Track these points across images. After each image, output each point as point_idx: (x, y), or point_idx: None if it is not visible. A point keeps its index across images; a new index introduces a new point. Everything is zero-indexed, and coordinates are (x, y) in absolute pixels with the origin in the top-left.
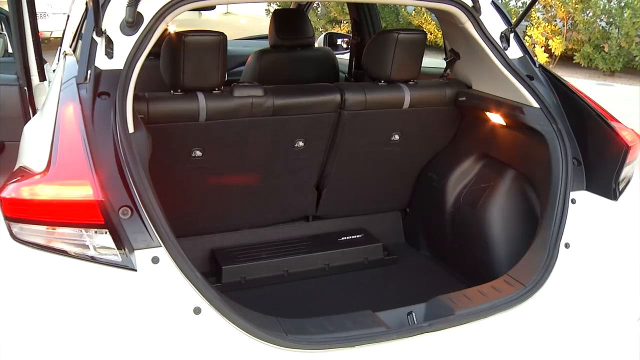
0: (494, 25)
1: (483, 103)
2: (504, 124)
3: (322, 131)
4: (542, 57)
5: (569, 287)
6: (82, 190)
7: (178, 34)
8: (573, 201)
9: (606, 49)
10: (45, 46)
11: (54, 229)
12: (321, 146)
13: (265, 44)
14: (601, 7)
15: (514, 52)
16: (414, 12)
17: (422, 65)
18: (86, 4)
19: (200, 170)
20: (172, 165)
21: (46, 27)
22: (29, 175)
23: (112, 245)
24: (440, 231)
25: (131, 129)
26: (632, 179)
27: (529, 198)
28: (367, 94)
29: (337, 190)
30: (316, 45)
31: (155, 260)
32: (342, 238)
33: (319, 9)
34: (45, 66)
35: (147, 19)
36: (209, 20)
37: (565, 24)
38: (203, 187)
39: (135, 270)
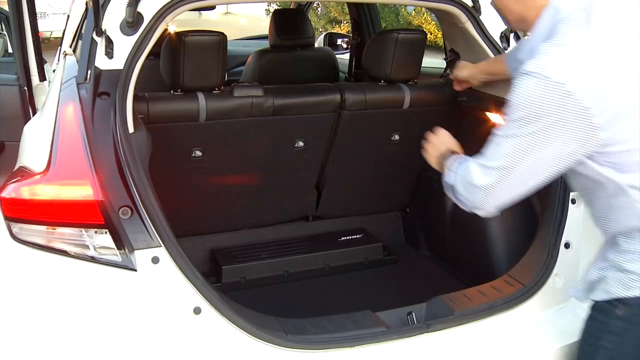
0: (494, 25)
1: (483, 103)
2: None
3: (322, 131)
4: None
5: (569, 287)
6: (82, 190)
7: (178, 34)
8: (573, 201)
9: None
10: (45, 46)
11: (54, 229)
12: (321, 146)
13: (265, 44)
14: None
15: None
16: (414, 12)
17: (422, 65)
18: (86, 4)
19: (200, 170)
20: (172, 165)
21: (46, 27)
22: (29, 175)
23: (112, 245)
24: (440, 231)
25: (131, 129)
26: None
27: (529, 198)
28: (367, 94)
29: (337, 190)
30: (316, 45)
31: (155, 260)
32: (342, 238)
33: (319, 9)
34: (45, 66)
35: (147, 19)
36: (209, 20)
37: None
38: (203, 187)
39: (135, 270)
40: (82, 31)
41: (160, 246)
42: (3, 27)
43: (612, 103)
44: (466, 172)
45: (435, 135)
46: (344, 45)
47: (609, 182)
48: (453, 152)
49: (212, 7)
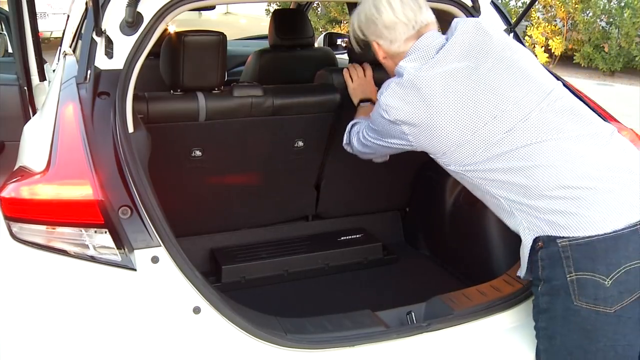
0: (493, 25)
1: None
2: None
3: (322, 131)
4: (542, 57)
5: None
6: (82, 190)
7: (178, 34)
8: None
9: (606, 49)
10: (45, 46)
11: (53, 229)
12: (320, 146)
13: (265, 44)
14: (601, 7)
15: None
16: None
17: None
18: (86, 4)
19: (199, 170)
20: (171, 165)
21: (46, 27)
22: (28, 175)
23: (112, 244)
24: (439, 231)
25: (131, 129)
26: None
27: None
28: None
29: (337, 189)
30: (316, 45)
31: (154, 259)
32: (342, 238)
33: (319, 9)
34: (45, 66)
35: (146, 19)
36: (209, 20)
37: (565, 24)
38: (203, 187)
39: (135, 270)
40: (82, 31)
41: (160, 246)
42: (3, 27)
43: (418, 123)
44: (354, 135)
45: (361, 76)
46: (344, 45)
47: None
48: (369, 100)
49: (212, 7)
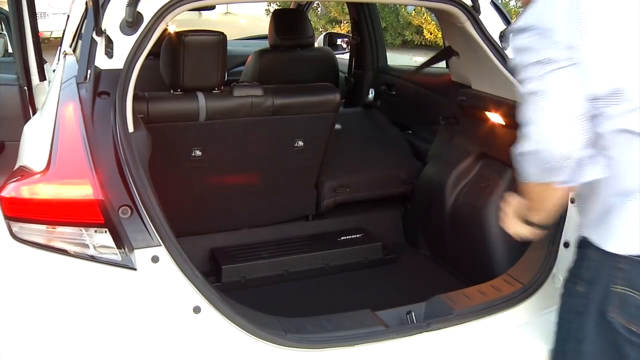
0: (493, 24)
1: (482, 102)
2: (504, 123)
3: (322, 131)
4: None
5: None
6: (82, 190)
7: (178, 33)
8: (572, 200)
9: None
10: (45, 46)
11: (54, 228)
12: (320, 145)
13: (265, 44)
14: None
15: None
16: (414, 12)
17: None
18: (86, 3)
19: (200, 169)
20: (171, 164)
21: (46, 27)
22: (29, 175)
23: (112, 244)
24: (439, 231)
25: (131, 129)
26: None
27: None
28: None
29: (337, 189)
30: (316, 45)
31: (155, 259)
32: (342, 237)
33: (319, 9)
34: (45, 66)
35: (147, 18)
36: (209, 20)
37: None
38: (203, 187)
39: (135, 270)
40: (82, 31)
41: (160, 245)
42: (3, 27)
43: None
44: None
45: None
46: (344, 45)
47: None
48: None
49: (212, 7)
